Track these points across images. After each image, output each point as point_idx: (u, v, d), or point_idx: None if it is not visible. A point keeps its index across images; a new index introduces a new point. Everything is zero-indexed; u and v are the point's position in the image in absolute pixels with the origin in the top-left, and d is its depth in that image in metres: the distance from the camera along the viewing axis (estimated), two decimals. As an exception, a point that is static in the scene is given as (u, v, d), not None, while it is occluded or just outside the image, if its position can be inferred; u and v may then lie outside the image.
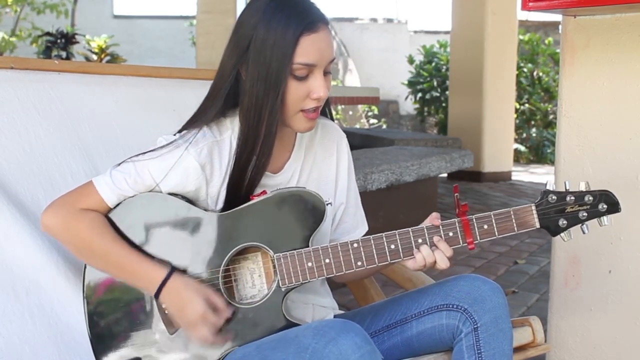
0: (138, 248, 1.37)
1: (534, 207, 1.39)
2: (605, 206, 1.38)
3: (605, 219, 1.39)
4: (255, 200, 1.38)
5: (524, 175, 7.63)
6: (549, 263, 2.18)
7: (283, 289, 1.37)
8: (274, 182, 1.46)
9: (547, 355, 2.00)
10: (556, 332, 1.97)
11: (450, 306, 1.39)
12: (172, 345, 1.37)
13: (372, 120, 11.28)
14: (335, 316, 1.57)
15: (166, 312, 1.37)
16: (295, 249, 1.36)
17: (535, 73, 9.01)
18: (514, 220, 1.39)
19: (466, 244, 1.39)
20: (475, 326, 1.36)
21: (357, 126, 10.61)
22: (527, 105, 8.99)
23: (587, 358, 1.92)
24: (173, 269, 1.34)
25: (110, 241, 1.35)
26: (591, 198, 1.38)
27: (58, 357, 1.46)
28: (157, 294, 1.34)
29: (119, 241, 1.35)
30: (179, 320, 1.36)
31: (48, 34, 7.41)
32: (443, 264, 1.38)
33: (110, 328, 1.37)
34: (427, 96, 9.43)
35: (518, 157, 8.86)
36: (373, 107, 11.03)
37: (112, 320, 1.37)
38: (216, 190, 1.41)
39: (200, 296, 1.32)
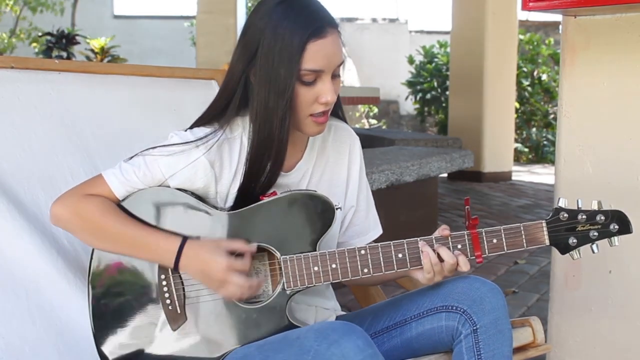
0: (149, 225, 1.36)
1: (544, 224, 1.37)
2: (617, 226, 1.36)
3: (616, 239, 1.37)
4: (265, 200, 1.38)
5: (524, 175, 7.63)
6: (549, 263, 2.18)
7: (288, 292, 1.36)
8: (285, 181, 1.46)
9: (548, 355, 2.00)
10: (556, 332, 1.97)
11: (450, 307, 1.38)
12: (175, 341, 1.37)
13: (372, 121, 11.28)
14: (336, 318, 1.57)
15: (169, 302, 1.36)
16: (302, 252, 1.36)
17: (535, 73, 9.00)
18: (523, 236, 1.37)
19: (474, 257, 1.38)
20: (475, 328, 1.35)
21: (357, 126, 10.60)
22: (527, 105, 8.99)
23: (587, 358, 1.92)
24: (185, 237, 1.34)
25: (123, 219, 1.35)
26: (603, 217, 1.36)
27: (58, 357, 1.46)
28: (176, 264, 1.33)
29: (130, 219, 1.36)
30: (207, 284, 1.34)
31: (49, 34, 7.40)
32: (465, 265, 1.36)
33: (113, 322, 1.37)
34: (427, 96, 9.43)
35: (518, 157, 8.86)
36: (373, 107, 11.03)
37: (117, 314, 1.37)
38: (226, 188, 1.41)
39: (219, 250, 1.31)
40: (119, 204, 1.37)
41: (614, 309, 1.86)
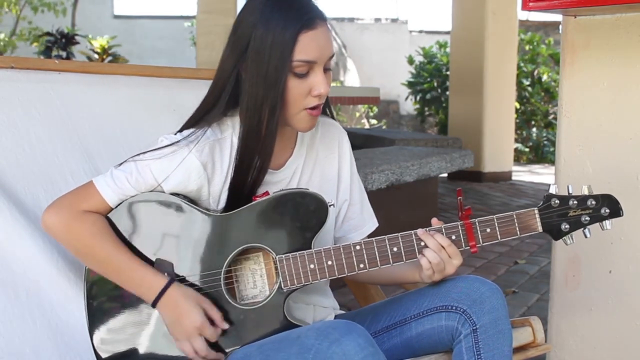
0: (139, 254, 1.36)
1: (536, 211, 1.39)
2: (607, 210, 1.38)
3: (607, 223, 1.39)
4: (258, 200, 1.38)
5: (524, 175, 7.63)
6: (549, 263, 2.18)
7: (285, 290, 1.37)
8: (275, 179, 1.47)
9: (548, 355, 2.00)
10: (556, 332, 1.97)
11: (449, 307, 1.38)
12: (175, 345, 1.36)
13: (372, 121, 11.28)
14: (335, 317, 1.57)
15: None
16: (297, 250, 1.36)
17: (535, 73, 9.00)
18: (516, 224, 1.39)
19: (469, 247, 1.39)
20: (474, 327, 1.35)
21: (357, 126, 10.60)
22: (527, 105, 8.99)
23: (587, 358, 1.92)
24: (172, 279, 1.34)
25: (111, 246, 1.34)
26: (594, 202, 1.38)
27: (58, 357, 1.46)
28: (154, 303, 1.34)
29: (120, 247, 1.35)
30: (173, 332, 1.35)
31: (48, 33, 7.41)
32: (457, 259, 1.38)
33: (111, 328, 1.37)
34: (428, 96, 9.43)
35: (518, 157, 8.86)
36: (373, 107, 11.03)
37: (114, 319, 1.37)
38: (218, 189, 1.41)
39: (199, 307, 1.33)
40: (111, 217, 1.37)
41: (613, 309, 1.86)
